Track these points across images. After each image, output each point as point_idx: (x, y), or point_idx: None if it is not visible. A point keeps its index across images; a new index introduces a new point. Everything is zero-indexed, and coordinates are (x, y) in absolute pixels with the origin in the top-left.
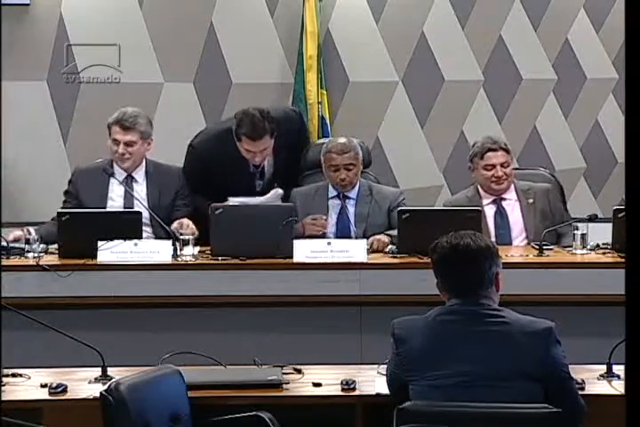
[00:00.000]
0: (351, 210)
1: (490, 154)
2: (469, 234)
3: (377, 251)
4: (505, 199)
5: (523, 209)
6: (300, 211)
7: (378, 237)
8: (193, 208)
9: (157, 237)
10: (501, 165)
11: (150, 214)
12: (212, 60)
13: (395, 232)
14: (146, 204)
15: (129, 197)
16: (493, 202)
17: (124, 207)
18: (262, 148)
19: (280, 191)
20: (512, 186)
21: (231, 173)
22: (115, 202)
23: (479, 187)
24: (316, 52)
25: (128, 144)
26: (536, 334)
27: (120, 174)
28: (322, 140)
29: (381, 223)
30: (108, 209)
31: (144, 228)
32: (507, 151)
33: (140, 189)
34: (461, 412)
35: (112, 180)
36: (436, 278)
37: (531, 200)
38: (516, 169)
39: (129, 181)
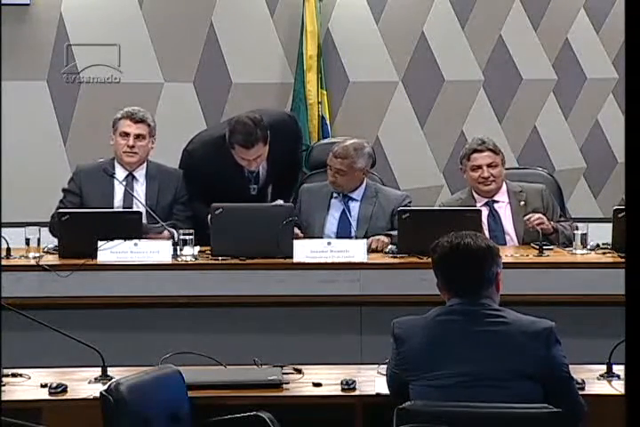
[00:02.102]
0: (354, 211)
1: (476, 155)
2: (470, 234)
3: (376, 251)
4: (497, 202)
5: (513, 212)
6: (303, 207)
7: (378, 237)
8: (191, 212)
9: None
10: (488, 166)
11: (148, 213)
12: (212, 60)
13: (396, 233)
14: (144, 203)
15: (128, 196)
16: (486, 204)
17: (123, 206)
18: (256, 155)
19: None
20: (504, 188)
21: (226, 178)
22: (116, 202)
23: (472, 189)
24: (316, 52)
25: (137, 137)
26: (536, 335)
27: (121, 173)
28: (325, 141)
29: (383, 226)
30: (108, 209)
31: None
32: (494, 152)
33: (141, 189)
34: (461, 412)
35: (115, 179)
36: (436, 278)
37: (522, 202)
38: (514, 169)
39: (129, 179)
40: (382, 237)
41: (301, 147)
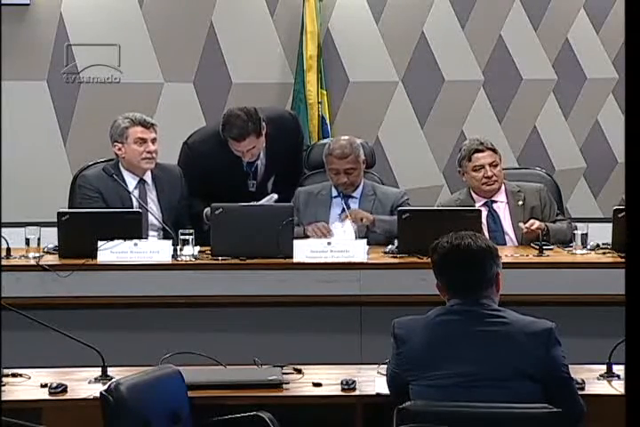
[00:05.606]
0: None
1: (477, 155)
2: (470, 234)
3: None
4: (496, 202)
5: (512, 212)
6: (302, 210)
7: (357, 210)
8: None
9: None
10: (490, 165)
11: (161, 221)
12: (212, 60)
13: (385, 217)
14: (158, 207)
15: (143, 202)
16: (485, 204)
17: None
18: (248, 147)
19: (275, 197)
20: (502, 188)
21: (224, 173)
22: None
23: (471, 190)
24: (316, 52)
25: (153, 142)
26: (536, 335)
27: (132, 180)
28: (325, 141)
29: None
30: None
31: (153, 232)
32: (494, 151)
33: (153, 193)
34: (461, 412)
35: (128, 184)
36: (436, 278)
37: (520, 202)
38: (513, 169)
39: (142, 186)
40: (365, 213)
41: (302, 144)
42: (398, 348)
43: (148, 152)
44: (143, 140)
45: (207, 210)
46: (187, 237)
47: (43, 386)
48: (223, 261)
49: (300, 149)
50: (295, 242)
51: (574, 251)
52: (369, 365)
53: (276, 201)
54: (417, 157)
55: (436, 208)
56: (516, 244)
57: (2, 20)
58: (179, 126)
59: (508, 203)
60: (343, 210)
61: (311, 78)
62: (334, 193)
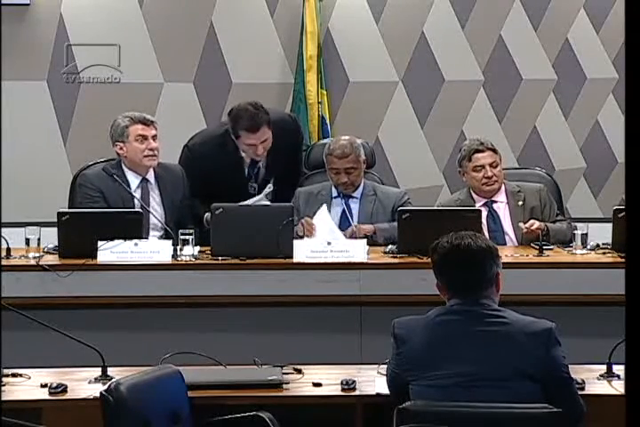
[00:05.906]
0: (355, 210)
1: (478, 155)
2: (470, 234)
3: (356, 237)
4: (496, 202)
5: (512, 212)
6: (302, 210)
7: (359, 225)
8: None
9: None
10: (490, 165)
11: (163, 221)
12: (212, 60)
13: (385, 225)
14: (161, 206)
15: (145, 201)
16: (485, 205)
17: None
18: (263, 138)
19: (271, 187)
20: (502, 188)
21: (226, 176)
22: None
23: (471, 190)
24: (316, 52)
25: (154, 139)
26: (536, 335)
27: (134, 179)
28: (325, 141)
29: (384, 223)
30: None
31: (155, 232)
32: (494, 151)
33: (155, 193)
34: (461, 412)
35: (131, 184)
36: (436, 278)
37: (520, 202)
38: (513, 169)
39: (144, 185)
40: (365, 226)
41: (302, 146)
42: (398, 348)
43: (150, 149)
44: (144, 138)
45: (207, 215)
46: (187, 237)
47: (43, 386)
48: (223, 261)
49: (299, 150)
50: (295, 242)
51: (574, 251)
52: (369, 365)
53: (277, 201)
54: (417, 157)
55: (436, 208)
56: (516, 244)
57: (2, 20)
58: (179, 126)
59: (508, 203)
60: (343, 211)
61: (311, 78)
62: (334, 193)
